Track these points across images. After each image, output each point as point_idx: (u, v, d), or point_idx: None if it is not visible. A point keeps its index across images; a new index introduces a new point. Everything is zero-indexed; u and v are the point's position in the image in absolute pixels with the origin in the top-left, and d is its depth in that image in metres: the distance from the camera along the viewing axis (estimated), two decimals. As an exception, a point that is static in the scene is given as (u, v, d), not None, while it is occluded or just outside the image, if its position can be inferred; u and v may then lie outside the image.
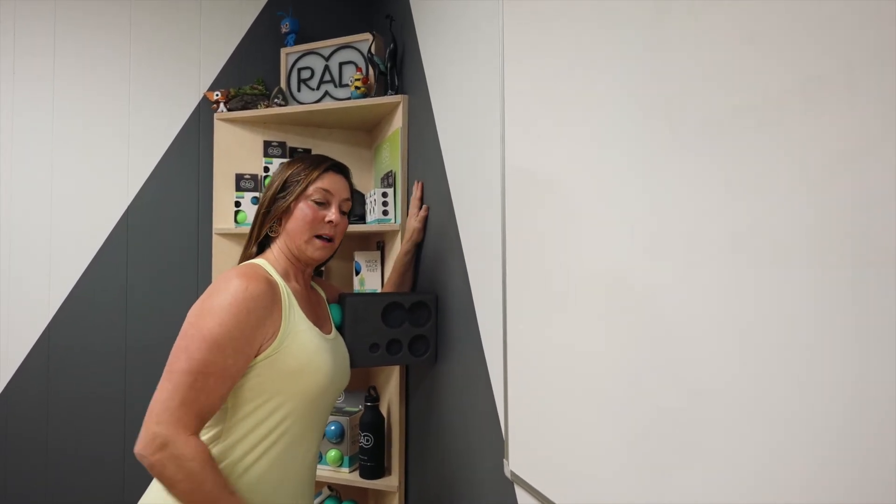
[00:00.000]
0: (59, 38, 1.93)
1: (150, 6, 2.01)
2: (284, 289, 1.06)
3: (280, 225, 1.15)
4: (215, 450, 0.99)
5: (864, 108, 0.38)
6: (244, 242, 1.20)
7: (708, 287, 0.52)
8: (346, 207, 1.19)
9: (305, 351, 1.04)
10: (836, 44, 0.40)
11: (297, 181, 1.14)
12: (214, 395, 0.93)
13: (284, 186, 1.15)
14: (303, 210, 1.13)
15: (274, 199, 1.15)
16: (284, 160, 1.88)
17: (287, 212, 1.14)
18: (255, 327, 0.97)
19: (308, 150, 1.95)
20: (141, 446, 0.90)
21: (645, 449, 0.61)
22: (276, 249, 1.15)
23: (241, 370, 0.97)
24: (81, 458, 1.90)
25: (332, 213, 1.15)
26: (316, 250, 1.14)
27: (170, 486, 0.91)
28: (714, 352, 0.51)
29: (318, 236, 1.14)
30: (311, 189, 1.14)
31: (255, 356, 0.99)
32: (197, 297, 1.13)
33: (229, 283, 0.98)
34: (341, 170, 1.20)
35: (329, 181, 1.16)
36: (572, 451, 0.75)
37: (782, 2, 0.45)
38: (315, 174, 1.15)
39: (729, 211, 0.50)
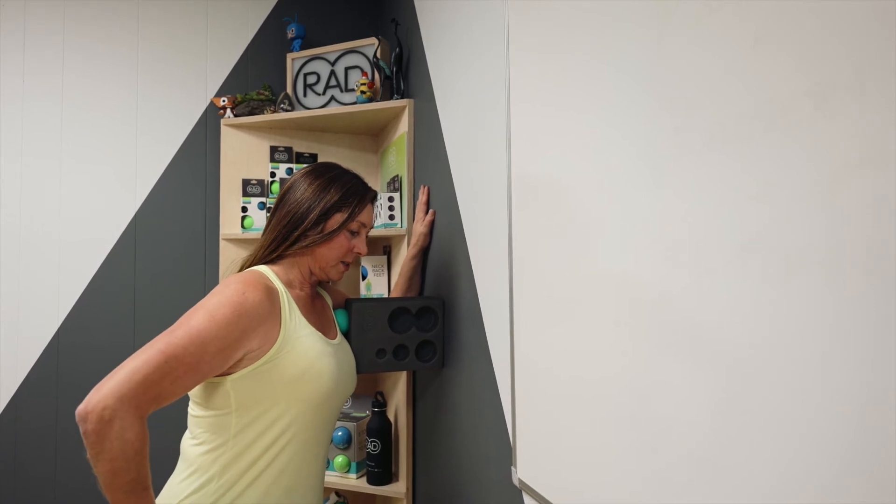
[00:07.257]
0: (68, 46, 1.95)
1: (156, 13, 2.02)
2: (285, 295, 1.06)
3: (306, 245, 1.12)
4: (220, 461, 0.99)
5: (875, 113, 0.37)
6: (253, 248, 1.16)
7: (718, 295, 0.51)
8: (368, 233, 1.22)
9: (306, 357, 1.03)
10: (845, 48, 0.39)
11: (340, 210, 1.13)
12: (178, 384, 0.89)
13: (325, 214, 1.12)
14: (340, 241, 1.14)
15: (310, 224, 1.11)
16: (291, 165, 1.90)
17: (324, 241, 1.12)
18: (242, 333, 0.95)
19: (314, 155, 1.95)
20: (87, 410, 0.83)
21: (654, 459, 0.59)
22: (290, 262, 1.13)
23: (215, 371, 0.94)
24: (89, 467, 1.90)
25: (362, 245, 1.18)
26: (338, 273, 1.17)
27: (96, 462, 0.85)
28: (725, 360, 0.50)
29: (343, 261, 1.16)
30: (353, 223, 1.15)
31: (239, 363, 0.97)
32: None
33: (229, 286, 0.98)
34: (374, 198, 1.22)
35: (367, 213, 1.19)
36: (581, 459, 0.74)
37: (789, 4, 0.44)
38: (360, 208, 1.15)
39: (739, 217, 0.49)
